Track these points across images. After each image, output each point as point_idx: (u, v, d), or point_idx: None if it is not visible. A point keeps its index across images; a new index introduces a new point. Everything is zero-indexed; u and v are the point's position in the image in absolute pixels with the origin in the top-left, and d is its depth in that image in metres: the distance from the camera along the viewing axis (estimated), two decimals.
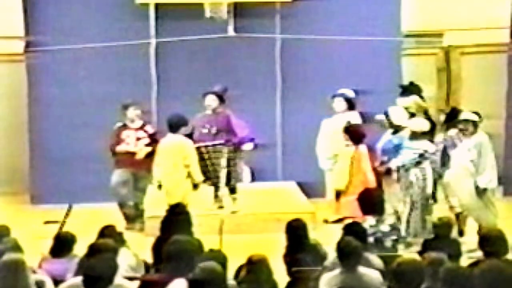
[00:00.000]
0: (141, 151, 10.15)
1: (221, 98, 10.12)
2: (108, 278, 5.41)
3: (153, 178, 9.89)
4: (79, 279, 5.61)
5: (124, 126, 10.27)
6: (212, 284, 5.28)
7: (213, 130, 10.03)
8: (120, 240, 6.90)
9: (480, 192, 8.98)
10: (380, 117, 9.81)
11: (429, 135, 9.50)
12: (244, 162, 10.48)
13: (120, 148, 10.20)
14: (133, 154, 10.14)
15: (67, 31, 11.48)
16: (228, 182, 10.09)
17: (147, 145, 10.19)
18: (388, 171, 9.36)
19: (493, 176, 9.02)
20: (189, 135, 9.99)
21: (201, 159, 9.98)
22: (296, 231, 7.03)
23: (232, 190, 10.19)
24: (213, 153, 10.01)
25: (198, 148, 9.95)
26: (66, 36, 11.39)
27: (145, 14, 11.67)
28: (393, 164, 9.22)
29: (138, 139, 10.22)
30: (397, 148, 9.32)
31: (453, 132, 9.40)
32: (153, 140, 10.19)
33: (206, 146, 10.01)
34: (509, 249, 6.13)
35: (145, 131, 10.28)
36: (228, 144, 10.03)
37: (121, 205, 10.15)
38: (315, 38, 11.46)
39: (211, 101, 10.10)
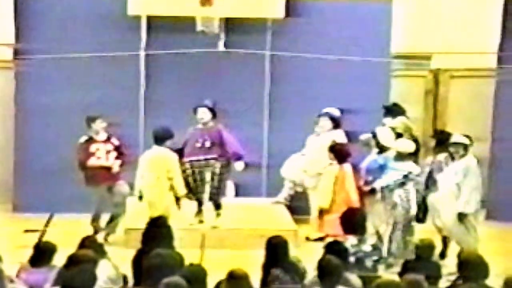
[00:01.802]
0: (115, 165, 10.08)
1: (212, 111, 10.14)
2: None
3: (134, 189, 9.86)
4: None
5: (91, 139, 10.16)
6: None
7: (207, 144, 10.04)
8: (100, 251, 6.86)
9: (461, 215, 9.00)
10: (365, 137, 9.84)
11: (414, 156, 9.54)
12: (229, 177, 10.48)
13: (92, 162, 10.07)
14: (105, 168, 10.05)
15: (58, 40, 11.46)
16: (214, 197, 10.07)
17: (116, 158, 10.13)
18: (372, 191, 9.38)
19: (472, 200, 9.01)
20: (181, 149, 9.99)
21: (192, 173, 9.98)
22: (275, 248, 7.00)
23: (218, 206, 10.17)
24: (205, 168, 10.00)
25: (190, 161, 9.94)
26: (56, 45, 11.38)
27: (137, 26, 11.68)
28: (378, 184, 9.25)
29: (108, 152, 10.14)
30: (382, 168, 9.35)
31: (441, 156, 9.42)
32: (119, 152, 10.16)
33: (198, 160, 10.01)
34: (489, 274, 6.13)
35: (112, 144, 10.21)
36: (221, 159, 10.03)
37: (95, 219, 10.04)
38: (305, 56, 11.50)
39: (203, 114, 10.11)
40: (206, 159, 10.01)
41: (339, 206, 9.11)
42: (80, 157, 10.10)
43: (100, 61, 11.34)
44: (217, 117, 10.23)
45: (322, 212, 9.57)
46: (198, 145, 10.02)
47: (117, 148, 10.18)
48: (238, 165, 10.18)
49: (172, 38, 11.51)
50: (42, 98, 11.51)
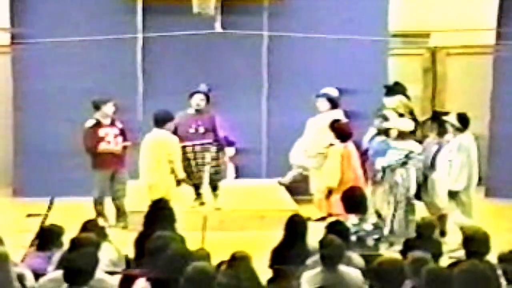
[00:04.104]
0: (121, 147, 9.99)
1: (207, 97, 10.12)
2: (89, 272, 5.39)
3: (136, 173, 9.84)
4: (60, 273, 5.58)
5: (98, 124, 9.99)
6: (175, 283, 5.26)
7: (201, 130, 10.03)
8: (102, 234, 6.87)
9: (451, 192, 9.03)
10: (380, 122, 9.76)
11: (414, 135, 9.55)
12: (229, 159, 10.48)
13: (103, 147, 9.93)
14: (113, 153, 9.94)
15: (54, 24, 11.43)
16: (211, 181, 10.07)
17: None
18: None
19: (461, 177, 9.02)
20: (172, 133, 9.97)
21: (186, 158, 9.96)
22: (296, 227, 7.03)
23: (215, 188, 10.18)
24: (200, 153, 10.00)
25: (184, 147, 9.93)
26: (52, 29, 11.34)
27: (133, 9, 11.64)
28: (379, 164, 9.24)
29: (116, 136, 10.02)
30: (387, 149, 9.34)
31: (450, 136, 9.41)
32: (124, 135, 10.08)
33: (193, 145, 9.99)
34: (490, 250, 6.16)
35: (117, 127, 10.08)
36: (215, 143, 10.02)
37: (98, 203, 9.98)
38: (302, 37, 11.47)
39: (200, 100, 10.09)
40: (202, 144, 10.00)
41: (346, 185, 9.10)
42: (89, 142, 9.90)
43: (97, 45, 11.31)
44: (213, 100, 10.20)
45: (330, 192, 9.55)
46: (192, 130, 10.01)
47: (122, 132, 10.10)
48: (229, 151, 10.19)
49: (168, 20, 11.48)
50: (39, 83, 11.49)
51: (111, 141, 9.98)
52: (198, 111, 10.10)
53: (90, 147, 9.93)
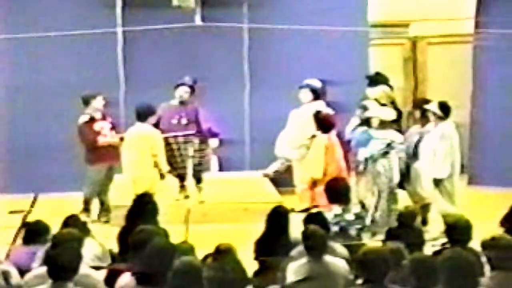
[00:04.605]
0: (118, 140, 9.93)
1: (192, 89, 10.10)
2: (72, 268, 5.37)
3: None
4: (45, 269, 5.56)
5: (92, 118, 9.95)
6: (160, 276, 5.26)
7: (184, 121, 10.03)
8: (84, 230, 6.85)
9: (436, 180, 9.09)
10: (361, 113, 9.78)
11: (395, 124, 9.58)
12: (212, 151, 10.48)
13: (102, 140, 9.86)
14: (111, 146, 9.89)
15: (33, 18, 11.36)
16: (195, 172, 10.07)
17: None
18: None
19: (445, 165, 9.07)
20: (155, 125, 9.96)
21: (170, 149, 9.96)
22: (279, 218, 7.04)
23: (198, 180, 10.18)
24: (183, 144, 10.00)
25: (166, 139, 9.93)
26: (31, 23, 11.28)
27: (113, 2, 11.59)
28: (361, 155, 9.26)
29: (111, 129, 10.00)
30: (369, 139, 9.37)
31: (431, 125, 9.45)
32: (115, 129, 10.07)
33: (176, 137, 9.99)
34: (472, 237, 6.21)
35: (108, 121, 10.07)
36: (198, 135, 10.02)
37: (90, 198, 9.97)
38: (283, 28, 11.47)
39: (184, 92, 10.11)
40: (184, 135, 10.00)
41: (331, 176, 9.13)
42: (87, 137, 9.85)
43: (77, 38, 11.25)
44: (197, 92, 10.20)
45: (315, 183, 9.56)
46: (174, 121, 10.02)
47: (113, 126, 10.09)
48: (213, 142, 10.19)
49: (148, 13, 11.44)
50: (20, 78, 11.42)
51: (107, 134, 9.96)
52: (181, 102, 10.10)
53: (90, 141, 9.87)
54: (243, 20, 11.71)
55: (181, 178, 10.17)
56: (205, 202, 10.10)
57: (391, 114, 9.44)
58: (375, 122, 9.38)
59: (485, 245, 5.46)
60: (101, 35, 11.38)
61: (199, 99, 10.27)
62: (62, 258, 5.36)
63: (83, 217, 9.20)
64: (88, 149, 9.94)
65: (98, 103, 9.97)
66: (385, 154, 9.15)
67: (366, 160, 9.23)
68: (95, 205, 10.06)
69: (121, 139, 9.94)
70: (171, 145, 9.98)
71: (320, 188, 9.26)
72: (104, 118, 10.04)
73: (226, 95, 11.43)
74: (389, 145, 9.17)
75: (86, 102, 9.98)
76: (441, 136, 9.09)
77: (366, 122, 9.52)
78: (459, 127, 9.62)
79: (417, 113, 9.76)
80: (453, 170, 9.14)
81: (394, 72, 11.59)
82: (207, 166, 10.30)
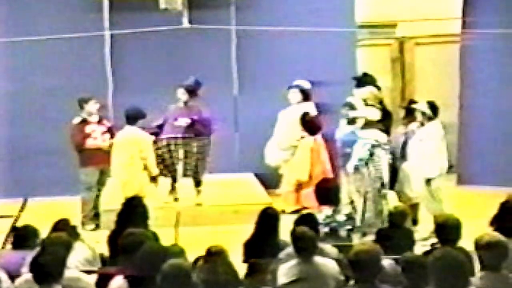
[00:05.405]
0: (109, 145, 9.95)
1: (191, 92, 10.10)
2: (55, 272, 5.33)
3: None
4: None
5: (85, 121, 9.99)
6: (152, 279, 5.25)
7: (183, 122, 10.04)
8: (74, 233, 6.82)
9: (426, 181, 9.11)
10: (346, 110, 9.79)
11: (381, 124, 9.57)
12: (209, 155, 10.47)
13: (90, 143, 9.90)
14: (101, 149, 9.91)
15: (20, 23, 11.33)
16: (194, 175, 10.10)
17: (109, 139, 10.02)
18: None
19: (434, 165, 9.10)
20: (160, 126, 9.97)
21: (168, 151, 9.98)
22: (268, 220, 7.04)
23: (198, 183, 10.19)
24: (181, 146, 10.00)
25: (166, 139, 9.93)
26: (18, 28, 11.25)
27: (99, 6, 11.57)
28: (350, 167, 9.16)
29: (103, 133, 10.02)
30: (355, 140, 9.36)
31: (414, 125, 9.47)
32: (111, 134, 10.07)
33: (175, 138, 10.00)
34: (461, 236, 6.23)
35: (104, 125, 10.10)
36: (198, 137, 10.03)
37: (87, 202, 9.96)
38: (270, 30, 11.48)
39: (181, 94, 10.17)
40: (183, 138, 10.01)
41: (316, 178, 9.14)
42: (76, 139, 9.89)
43: (65, 43, 11.23)
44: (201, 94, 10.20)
45: (300, 186, 9.57)
46: (176, 123, 10.04)
47: (109, 129, 10.08)
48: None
49: (135, 16, 11.44)
50: (7, 83, 11.39)
51: (98, 137, 9.96)
52: (185, 104, 10.10)
53: (78, 143, 9.91)
54: (230, 22, 11.71)
55: (174, 180, 10.18)
56: (202, 205, 10.11)
57: (376, 114, 9.44)
58: (360, 122, 9.39)
59: (478, 244, 5.47)
60: (89, 39, 11.37)
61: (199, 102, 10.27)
62: (43, 262, 5.34)
63: (91, 224, 9.30)
64: (77, 151, 9.98)
65: (90, 106, 10.01)
66: (371, 154, 9.16)
67: (357, 166, 9.21)
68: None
69: (110, 146, 9.93)
70: (166, 147, 9.96)
71: (307, 191, 9.29)
72: (100, 122, 10.06)
73: (214, 96, 11.41)
74: (373, 145, 9.16)
75: (81, 105, 10.03)
76: (429, 136, 9.12)
77: (351, 120, 9.54)
78: (446, 127, 9.65)
79: (401, 113, 9.79)
80: (442, 169, 9.17)
81: (382, 72, 11.62)
82: (206, 169, 10.29)
